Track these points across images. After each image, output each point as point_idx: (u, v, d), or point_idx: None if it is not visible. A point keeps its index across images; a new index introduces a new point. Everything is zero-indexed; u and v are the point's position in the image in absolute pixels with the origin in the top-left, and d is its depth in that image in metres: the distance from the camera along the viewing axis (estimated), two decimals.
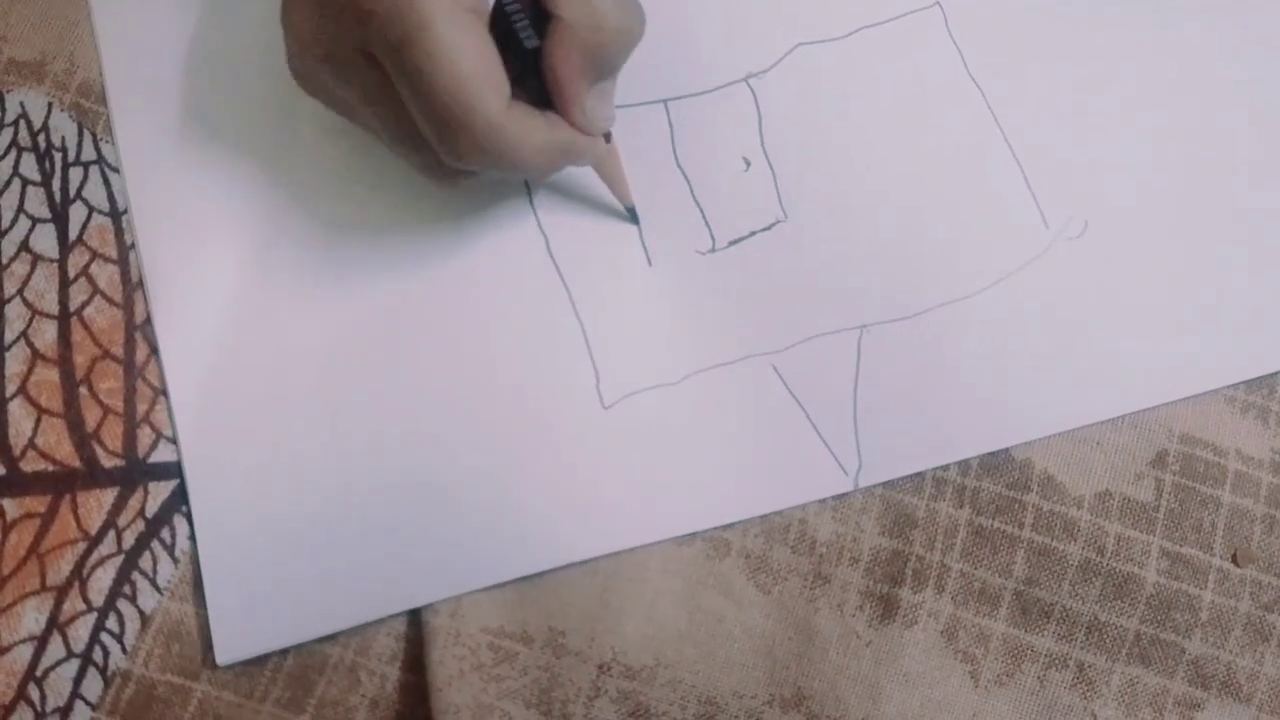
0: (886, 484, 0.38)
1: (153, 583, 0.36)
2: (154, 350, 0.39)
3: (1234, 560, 0.38)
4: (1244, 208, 0.40)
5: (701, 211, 0.40)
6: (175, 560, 0.37)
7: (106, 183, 0.41)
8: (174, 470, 0.38)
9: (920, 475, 0.38)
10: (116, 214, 0.40)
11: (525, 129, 0.34)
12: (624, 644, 0.37)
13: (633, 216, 0.40)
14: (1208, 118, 0.41)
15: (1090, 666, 0.37)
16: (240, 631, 0.36)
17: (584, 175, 0.40)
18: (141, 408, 0.38)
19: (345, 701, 0.36)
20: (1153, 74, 0.42)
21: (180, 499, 0.37)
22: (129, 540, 0.37)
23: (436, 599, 0.37)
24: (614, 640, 0.37)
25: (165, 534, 0.37)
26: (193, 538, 0.37)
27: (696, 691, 0.36)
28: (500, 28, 0.35)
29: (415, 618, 0.37)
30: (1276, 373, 0.39)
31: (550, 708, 0.36)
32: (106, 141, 0.42)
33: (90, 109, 0.42)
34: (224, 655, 0.36)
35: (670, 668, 0.37)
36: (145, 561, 0.37)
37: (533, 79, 0.36)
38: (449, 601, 0.37)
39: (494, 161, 0.35)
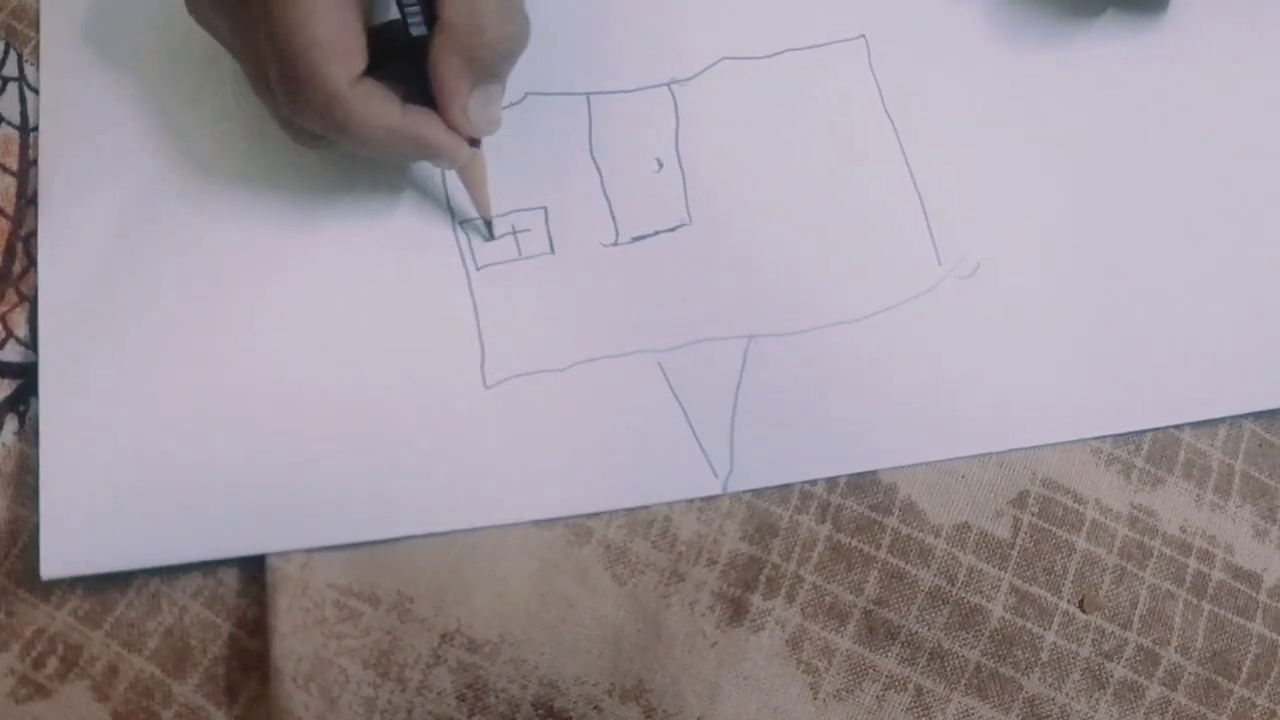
0: (755, 492, 0.39)
1: None
2: (32, 263, 0.39)
3: (1081, 606, 0.38)
4: (1132, 270, 0.41)
5: (609, 205, 0.41)
6: None
7: (23, 99, 0.41)
8: (15, 370, 0.38)
9: (788, 487, 0.39)
10: (26, 129, 0.41)
11: (370, 108, 0.35)
12: (471, 617, 0.37)
13: (488, 230, 0.40)
14: (1107, 181, 0.42)
15: (928, 692, 0.37)
16: (71, 548, 0.35)
17: (493, 158, 0.41)
18: (1, 309, 0.38)
19: (142, 626, 0.36)
20: (1062, 132, 0.43)
21: (16, 401, 0.38)
22: None
23: (284, 548, 0.36)
24: (461, 612, 0.37)
25: None
26: (18, 433, 0.37)
27: (539, 673, 0.36)
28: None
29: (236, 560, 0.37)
30: (1144, 430, 0.40)
31: (387, 670, 0.36)
32: (31, 64, 0.42)
33: (21, 31, 0.43)
34: (50, 569, 0.35)
35: (515, 646, 0.37)
36: None
37: (420, 74, 0.36)
38: (300, 553, 0.36)
39: (334, 130, 0.35)
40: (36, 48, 0.42)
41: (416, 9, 0.35)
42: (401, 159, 0.39)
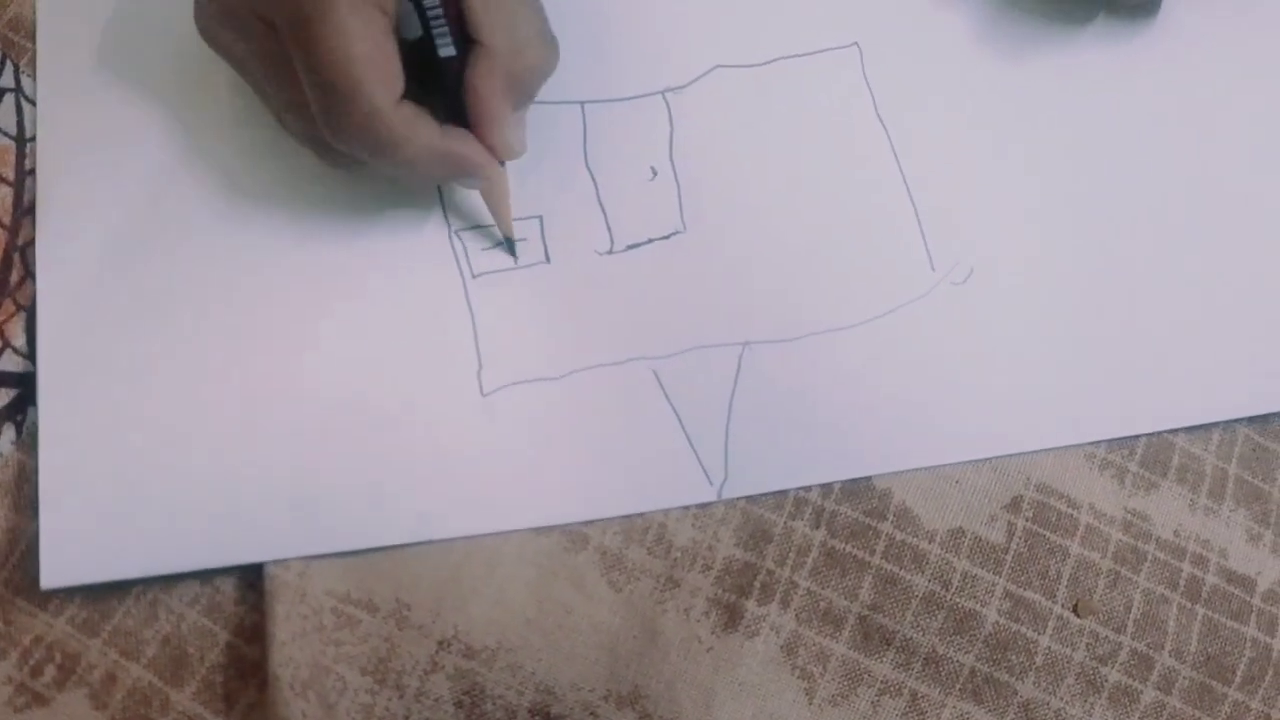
0: (749, 498, 0.39)
1: None
2: (30, 274, 0.39)
3: (1075, 610, 0.38)
4: (1125, 276, 0.42)
5: (604, 213, 0.41)
6: None
7: (19, 110, 0.41)
8: (13, 380, 0.38)
9: (783, 493, 0.39)
10: (23, 140, 0.41)
11: (412, 128, 0.35)
12: (468, 624, 0.37)
13: (510, 248, 0.40)
14: (1099, 186, 0.43)
15: (923, 697, 0.37)
16: (70, 558, 0.36)
17: None
18: None
19: (139, 634, 0.36)
20: (1054, 138, 0.43)
21: (13, 410, 0.38)
22: None
23: (283, 557, 0.37)
24: (458, 619, 0.37)
25: None
26: (15, 443, 0.37)
27: (535, 679, 0.37)
28: (423, 39, 0.36)
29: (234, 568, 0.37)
30: (1137, 435, 0.40)
31: (385, 677, 0.36)
32: (28, 75, 0.42)
33: (18, 42, 0.43)
34: (50, 580, 0.36)
35: (511, 652, 0.37)
36: None
37: (445, 94, 0.37)
38: (299, 560, 0.37)
39: (375, 150, 0.35)
40: (33, 59, 0.42)
41: (446, 30, 0.36)
42: (435, 180, 0.40)
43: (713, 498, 0.38)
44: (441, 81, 0.37)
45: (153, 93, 0.42)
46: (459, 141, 0.37)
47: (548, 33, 0.38)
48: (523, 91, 0.37)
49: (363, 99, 0.34)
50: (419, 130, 0.35)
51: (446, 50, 0.36)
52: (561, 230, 0.41)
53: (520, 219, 0.41)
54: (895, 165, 0.42)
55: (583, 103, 0.42)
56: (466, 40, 0.36)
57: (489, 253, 0.41)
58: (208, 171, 0.41)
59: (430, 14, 0.36)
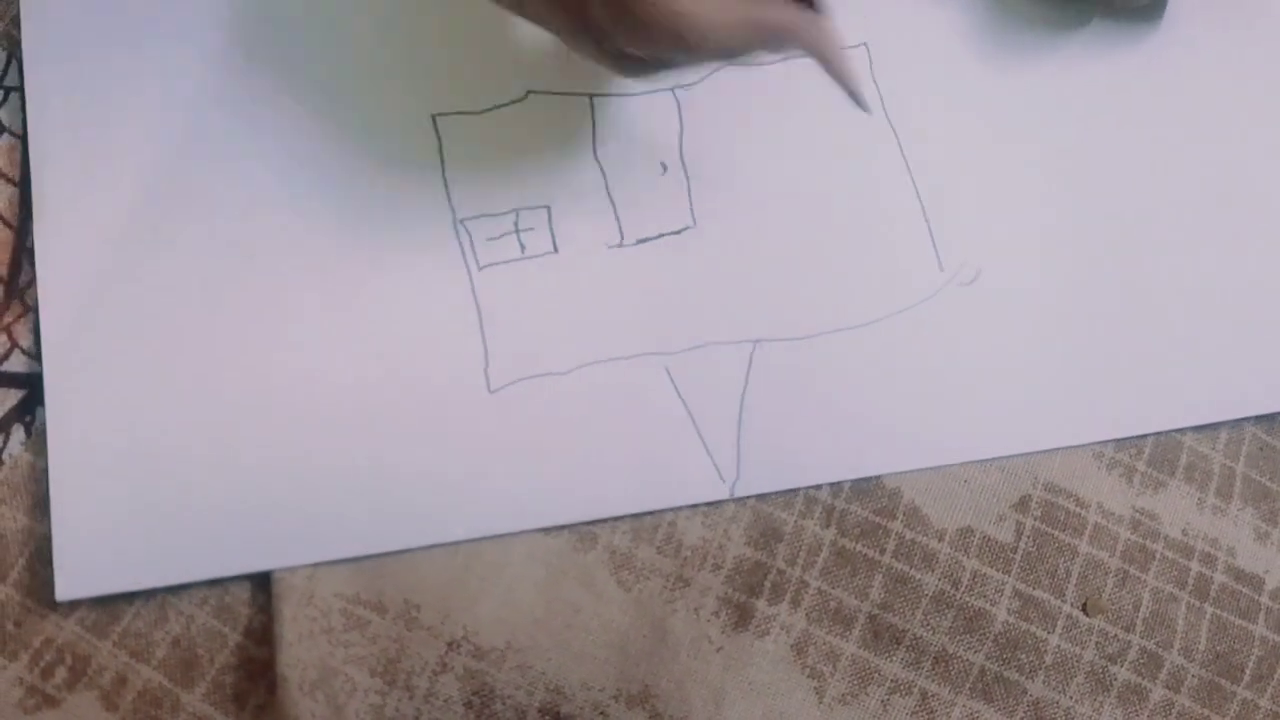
0: (759, 496, 0.39)
1: None
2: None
3: (1084, 609, 0.39)
4: (1132, 276, 0.42)
5: (614, 207, 0.41)
6: (0, 461, 0.37)
7: (25, 109, 0.41)
8: (21, 381, 0.38)
9: (794, 492, 0.39)
10: (28, 139, 0.40)
11: (706, 5, 0.32)
12: (477, 624, 0.37)
13: (861, 104, 0.35)
14: (1108, 186, 0.43)
15: (933, 696, 0.37)
16: (85, 569, 0.35)
17: (494, 153, 0.41)
18: (6, 319, 0.38)
19: (149, 635, 0.36)
20: (1063, 139, 0.43)
21: (22, 411, 0.37)
22: None
23: (292, 564, 0.36)
24: (467, 619, 0.37)
25: None
26: (25, 444, 0.37)
27: (545, 679, 0.36)
28: None
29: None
30: (1145, 435, 0.40)
31: (394, 678, 0.36)
32: None
33: (21, 40, 0.42)
34: (65, 591, 0.35)
35: (521, 652, 0.37)
36: None
37: None
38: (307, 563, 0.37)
39: (672, 40, 0.32)
40: None
41: None
42: (743, 58, 0.35)
43: (724, 496, 0.38)
44: None
45: (148, 83, 0.41)
46: (761, 5, 0.33)
47: None
48: None
49: None
50: (716, 6, 0.32)
51: None
52: (570, 221, 0.40)
53: (527, 209, 0.40)
54: (904, 166, 0.42)
55: (590, 95, 0.42)
56: None
57: (496, 242, 0.40)
58: (208, 165, 0.40)
59: None
